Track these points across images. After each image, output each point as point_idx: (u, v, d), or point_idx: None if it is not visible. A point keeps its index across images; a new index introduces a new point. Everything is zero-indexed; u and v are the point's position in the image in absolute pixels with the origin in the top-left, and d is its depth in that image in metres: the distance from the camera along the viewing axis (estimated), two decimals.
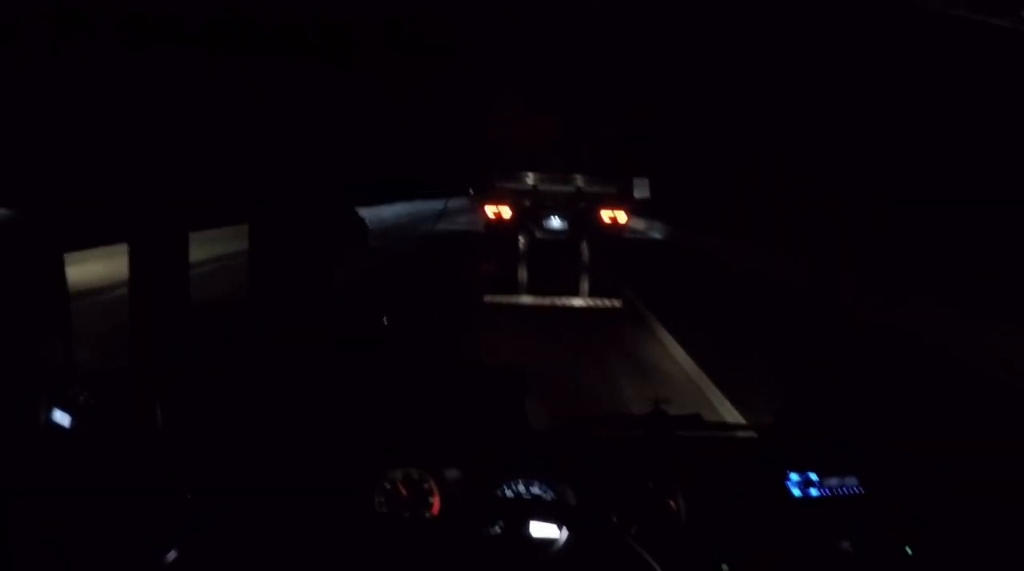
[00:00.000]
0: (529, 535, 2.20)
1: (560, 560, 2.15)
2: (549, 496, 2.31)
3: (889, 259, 10.80)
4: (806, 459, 2.41)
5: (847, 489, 2.39)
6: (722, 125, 13.49)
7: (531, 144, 12.52)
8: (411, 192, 21.55)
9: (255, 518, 2.17)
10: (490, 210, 12.73)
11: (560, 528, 2.18)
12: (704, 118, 12.74)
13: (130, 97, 2.78)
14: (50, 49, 2.39)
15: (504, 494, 2.32)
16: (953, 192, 8.43)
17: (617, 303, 12.21)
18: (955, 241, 8.87)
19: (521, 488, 2.32)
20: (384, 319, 4.69)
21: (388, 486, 2.28)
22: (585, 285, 12.47)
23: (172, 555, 1.87)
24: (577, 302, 12.30)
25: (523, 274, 12.58)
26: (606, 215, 12.57)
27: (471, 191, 13.82)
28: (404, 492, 2.28)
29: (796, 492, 2.36)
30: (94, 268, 5.06)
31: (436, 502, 2.28)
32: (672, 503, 2.30)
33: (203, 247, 3.63)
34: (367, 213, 8.42)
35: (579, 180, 12.67)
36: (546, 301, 12.20)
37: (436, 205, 17.99)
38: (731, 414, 6.85)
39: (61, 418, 2.48)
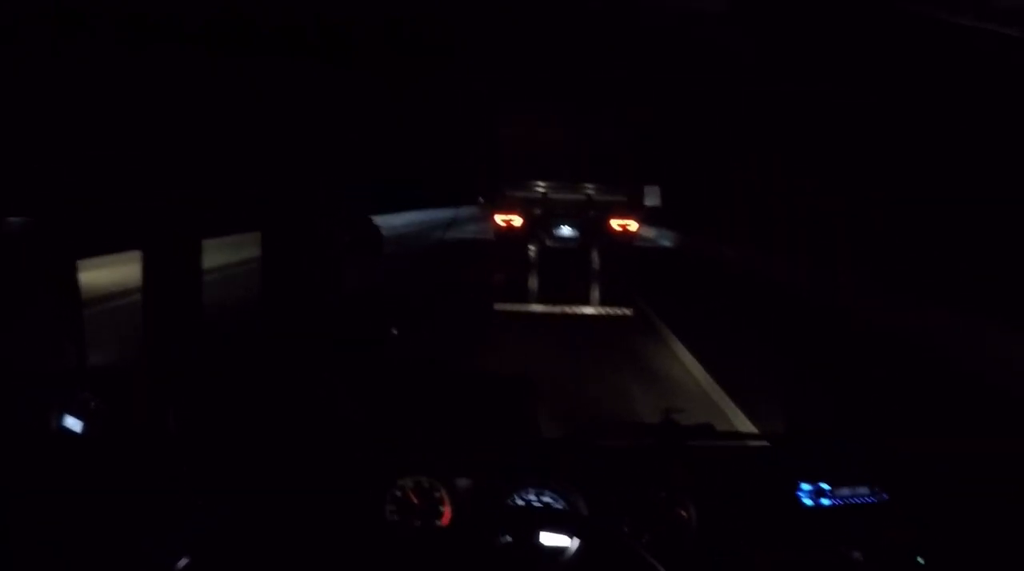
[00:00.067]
0: (540, 544, 2.19)
1: (571, 569, 2.14)
2: (560, 505, 2.30)
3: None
4: (817, 469, 2.40)
5: (858, 499, 2.38)
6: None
7: (541, 153, 12.54)
8: (422, 201, 21.62)
9: (269, 524, 2.17)
10: (501, 219, 12.76)
11: (571, 537, 2.17)
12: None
13: (148, 106, 2.80)
14: (61, 56, 2.41)
15: (515, 503, 2.31)
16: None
17: (628, 311, 12.16)
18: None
19: (532, 497, 2.31)
20: (393, 329, 4.68)
21: (399, 494, 2.28)
22: (596, 293, 12.46)
23: (184, 562, 1.87)
24: (588, 310, 12.27)
25: (534, 282, 12.58)
26: (616, 223, 12.57)
27: (481, 200, 13.85)
28: (415, 500, 2.28)
29: (807, 502, 2.35)
30: (106, 274, 5.10)
31: (447, 511, 2.28)
32: (683, 512, 2.29)
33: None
34: (379, 221, 8.44)
35: (589, 188, 12.68)
36: (556, 309, 12.16)
37: (446, 214, 18.05)
38: (743, 424, 6.81)
39: (72, 423, 2.49)
